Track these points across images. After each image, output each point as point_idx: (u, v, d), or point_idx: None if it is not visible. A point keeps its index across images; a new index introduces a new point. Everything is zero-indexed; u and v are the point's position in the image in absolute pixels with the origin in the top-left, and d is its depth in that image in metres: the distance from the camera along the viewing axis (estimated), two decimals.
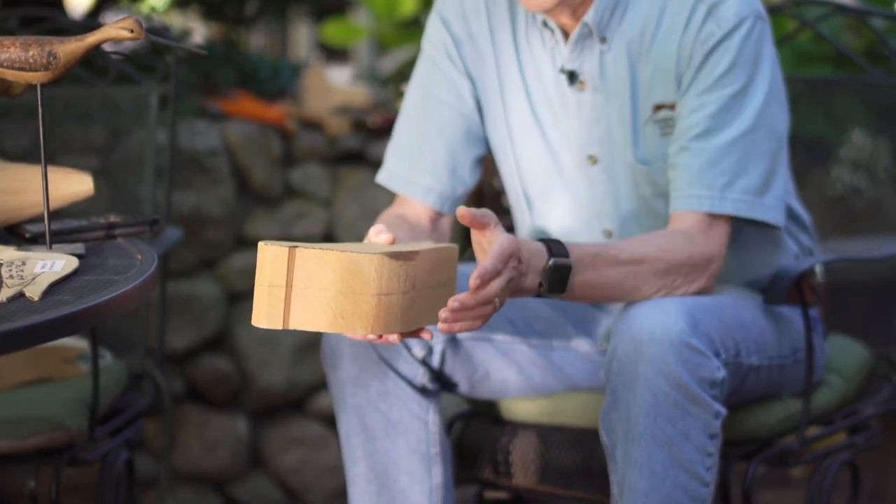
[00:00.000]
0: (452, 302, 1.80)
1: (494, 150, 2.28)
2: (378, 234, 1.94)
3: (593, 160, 2.20)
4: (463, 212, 1.87)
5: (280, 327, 1.78)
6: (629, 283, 2.03)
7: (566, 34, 2.17)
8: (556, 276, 1.94)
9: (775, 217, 2.14)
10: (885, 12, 2.86)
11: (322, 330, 1.79)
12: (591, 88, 2.17)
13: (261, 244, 1.78)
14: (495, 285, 1.83)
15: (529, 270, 1.92)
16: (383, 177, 2.31)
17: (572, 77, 2.18)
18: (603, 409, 2.04)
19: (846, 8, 2.78)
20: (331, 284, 1.76)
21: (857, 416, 2.40)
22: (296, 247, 1.77)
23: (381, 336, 1.84)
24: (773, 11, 2.75)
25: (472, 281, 1.80)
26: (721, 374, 2.00)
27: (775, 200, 2.13)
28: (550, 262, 1.93)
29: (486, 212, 1.88)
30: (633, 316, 2.00)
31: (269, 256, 1.77)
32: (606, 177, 2.20)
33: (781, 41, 2.80)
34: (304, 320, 1.78)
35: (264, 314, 1.78)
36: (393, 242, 1.94)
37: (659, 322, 1.97)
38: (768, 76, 2.13)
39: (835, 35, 3.18)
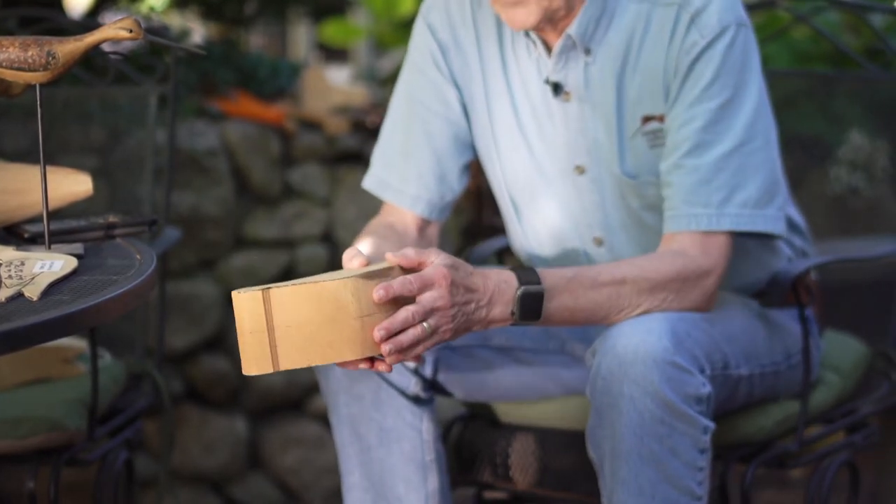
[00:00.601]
0: (378, 332, 1.81)
1: (481, 157, 2.27)
2: (351, 260, 1.93)
3: (580, 170, 2.19)
4: (391, 257, 1.89)
5: (271, 371, 1.77)
6: (611, 304, 2.02)
7: (549, 47, 2.16)
8: (527, 304, 1.94)
9: (777, 227, 2.12)
10: (883, 7, 2.85)
11: (314, 364, 1.78)
12: (576, 99, 2.16)
13: (234, 294, 1.77)
14: (411, 309, 1.83)
15: (496, 301, 1.92)
16: (370, 183, 2.29)
17: (557, 88, 2.17)
18: (589, 426, 2.03)
19: (841, 2, 2.78)
20: (311, 318, 1.76)
21: (856, 415, 2.40)
22: (268, 288, 1.76)
23: (372, 363, 1.84)
24: (768, 5, 2.75)
25: (375, 292, 1.81)
26: (706, 389, 2.00)
27: (777, 210, 2.12)
28: (520, 290, 1.94)
29: (425, 251, 1.89)
30: (617, 334, 2.00)
31: (245, 303, 1.76)
32: (594, 187, 2.18)
33: (776, 35, 2.80)
34: (294, 359, 1.77)
35: (253, 361, 1.77)
36: (367, 263, 1.93)
37: (642, 340, 1.97)
38: (756, 84, 2.11)
39: (833, 33, 3.18)
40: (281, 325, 1.76)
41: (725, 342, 2.08)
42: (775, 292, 2.15)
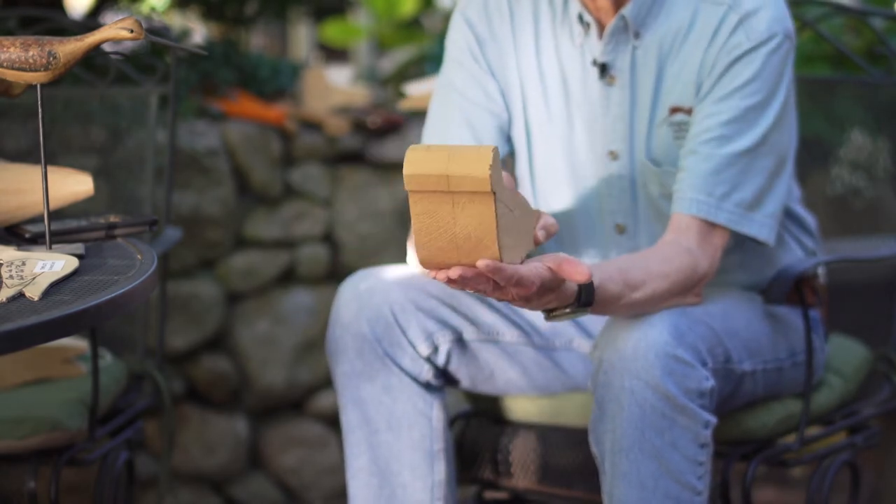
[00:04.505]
0: (487, 262, 1.74)
1: (514, 144, 2.29)
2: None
3: (614, 156, 2.21)
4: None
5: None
6: (633, 312, 2.04)
7: (601, 30, 2.19)
8: (567, 317, 1.94)
9: (763, 233, 2.14)
10: (885, 12, 2.86)
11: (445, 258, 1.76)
12: (619, 84, 2.19)
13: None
14: (513, 293, 1.80)
15: (551, 303, 1.89)
16: None
17: (603, 70, 2.18)
18: (591, 420, 2.04)
19: (846, 8, 2.79)
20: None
21: (857, 416, 2.41)
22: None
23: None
24: None
25: (513, 285, 1.76)
26: (709, 383, 2.00)
27: (766, 218, 2.14)
28: (571, 307, 1.91)
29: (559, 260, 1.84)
30: (619, 328, 2.02)
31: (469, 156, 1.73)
32: (624, 173, 2.21)
33: None
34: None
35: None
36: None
37: (644, 334, 1.98)
38: (783, 96, 2.14)
39: (835, 35, 3.18)
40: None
41: (727, 337, 2.10)
42: (777, 288, 2.16)
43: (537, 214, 1.94)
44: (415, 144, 1.75)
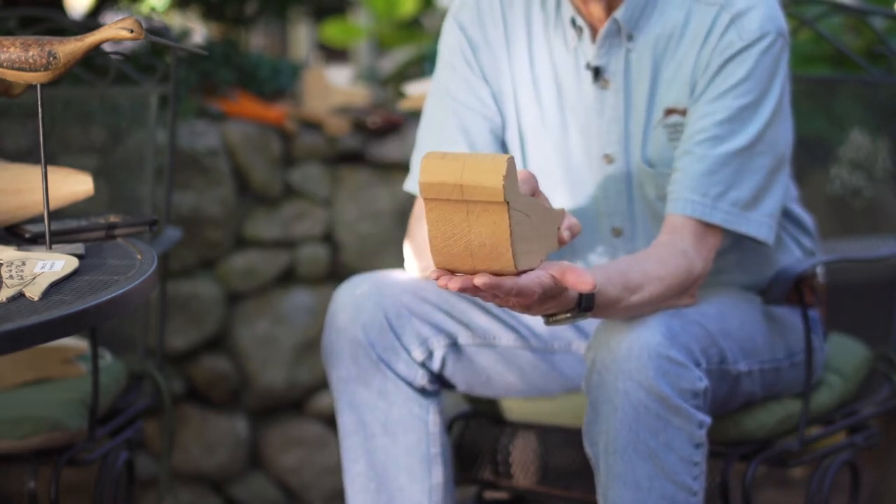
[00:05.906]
0: (482, 277, 1.73)
1: (508, 149, 2.28)
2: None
3: (609, 159, 2.21)
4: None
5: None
6: (630, 315, 2.03)
7: (594, 33, 2.18)
8: (567, 322, 1.94)
9: (761, 233, 2.14)
10: (885, 11, 2.86)
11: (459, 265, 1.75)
12: (614, 87, 2.18)
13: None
14: (510, 291, 1.79)
15: (551, 308, 1.88)
16: (412, 185, 2.28)
17: (597, 74, 2.18)
18: (585, 422, 2.04)
19: (845, 7, 2.79)
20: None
21: (857, 416, 2.41)
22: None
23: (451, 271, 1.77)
24: None
25: (510, 292, 1.75)
26: (703, 383, 2.00)
27: (764, 217, 2.14)
28: (570, 313, 1.91)
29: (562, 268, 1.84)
30: (612, 329, 2.02)
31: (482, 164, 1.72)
32: (620, 176, 2.20)
33: None
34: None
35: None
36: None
37: (637, 335, 1.98)
38: (777, 94, 2.14)
39: (835, 35, 3.18)
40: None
41: (722, 337, 2.10)
42: (777, 289, 2.16)
43: (561, 214, 1.94)
44: (431, 151, 1.75)
